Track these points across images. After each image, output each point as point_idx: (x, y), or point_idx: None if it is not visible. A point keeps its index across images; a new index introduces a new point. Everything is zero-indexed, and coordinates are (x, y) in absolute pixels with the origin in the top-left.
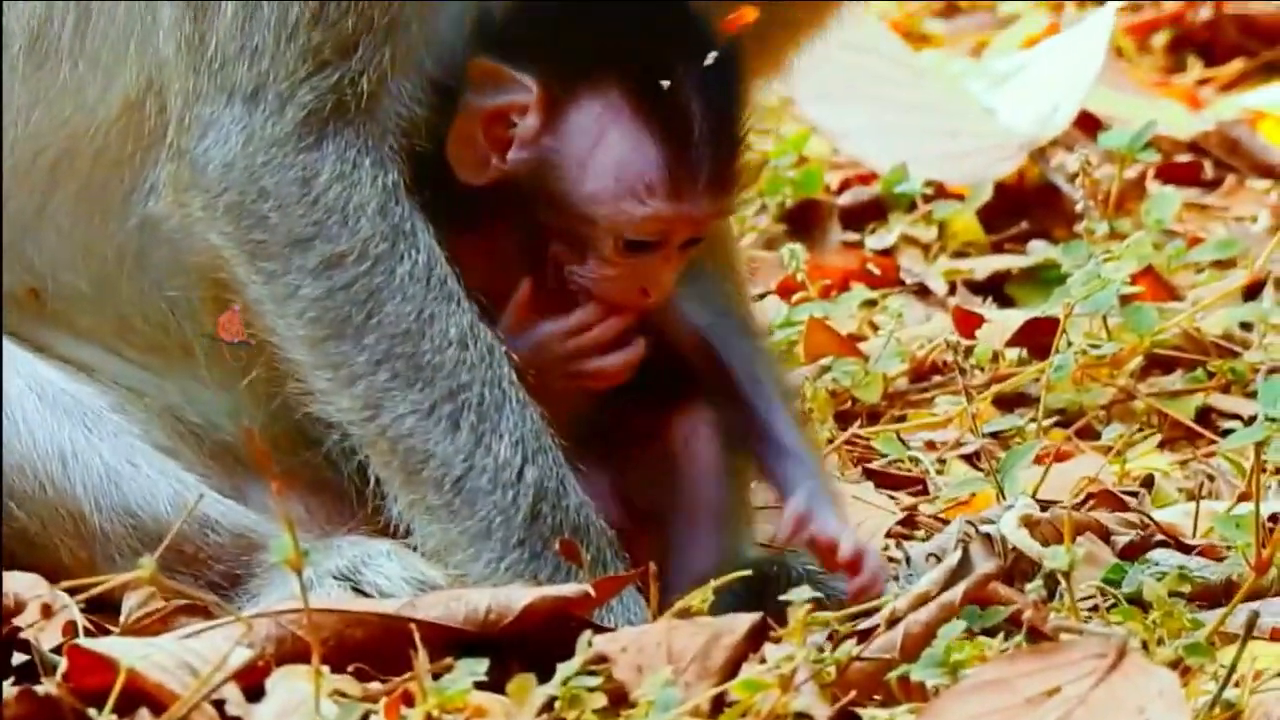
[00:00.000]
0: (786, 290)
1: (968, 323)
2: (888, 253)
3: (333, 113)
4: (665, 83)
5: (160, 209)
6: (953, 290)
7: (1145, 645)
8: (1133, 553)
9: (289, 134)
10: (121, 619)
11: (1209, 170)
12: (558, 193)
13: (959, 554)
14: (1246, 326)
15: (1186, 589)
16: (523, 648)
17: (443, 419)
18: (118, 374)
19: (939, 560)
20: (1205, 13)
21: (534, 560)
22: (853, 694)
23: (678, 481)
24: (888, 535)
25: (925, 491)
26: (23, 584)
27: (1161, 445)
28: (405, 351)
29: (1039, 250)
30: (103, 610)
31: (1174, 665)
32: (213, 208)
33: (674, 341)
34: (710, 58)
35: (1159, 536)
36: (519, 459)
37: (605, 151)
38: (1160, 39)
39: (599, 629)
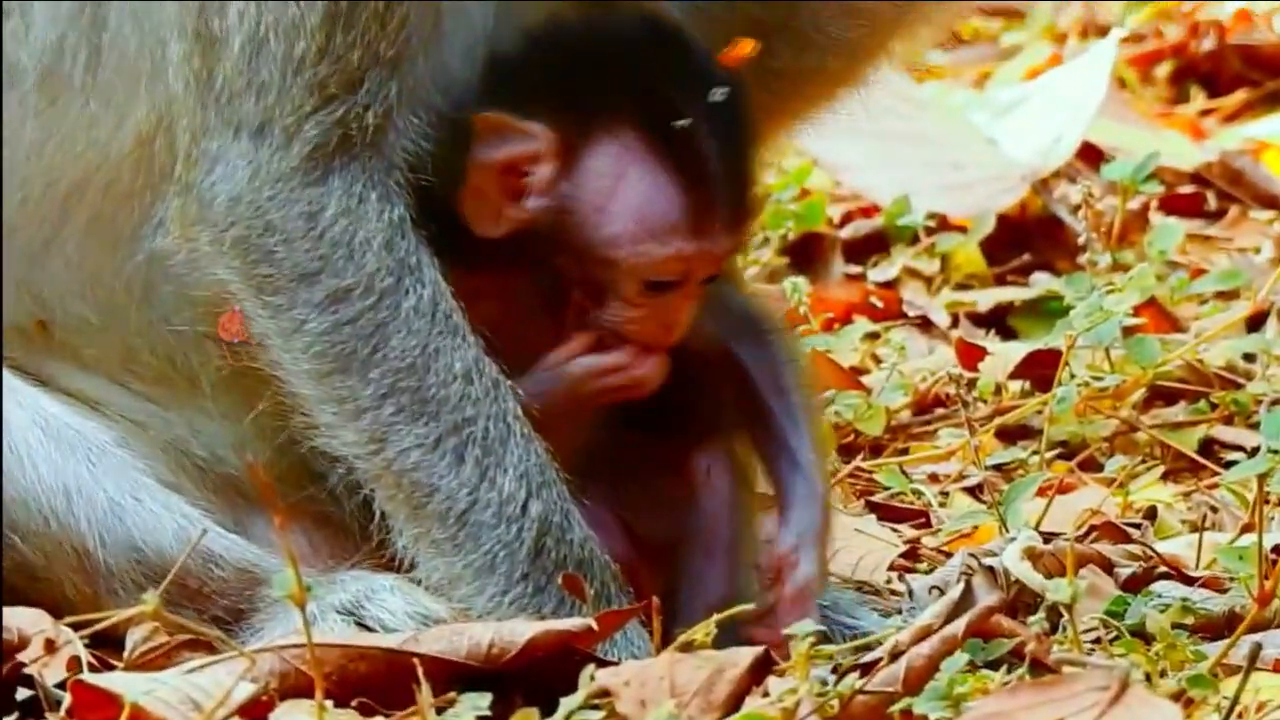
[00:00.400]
0: (789, 323)
1: (970, 355)
2: (890, 285)
3: (338, 147)
4: (681, 122)
5: (168, 244)
6: (955, 322)
7: (1148, 677)
8: (1136, 585)
9: (295, 169)
10: (125, 654)
11: (1212, 201)
12: (577, 238)
13: (962, 587)
14: (1250, 358)
15: (1189, 621)
16: (526, 682)
17: (447, 453)
18: (123, 407)
19: (942, 593)
20: (1208, 44)
21: (538, 594)
22: None
23: (695, 513)
24: (890, 568)
25: (928, 524)
26: (26, 619)
27: (1164, 477)
28: (410, 386)
29: (1042, 282)
30: (106, 645)
31: (1177, 697)
32: (219, 242)
33: (698, 351)
34: (717, 93)
35: (1162, 568)
36: (523, 493)
37: (624, 194)
38: (1163, 70)
39: (602, 663)
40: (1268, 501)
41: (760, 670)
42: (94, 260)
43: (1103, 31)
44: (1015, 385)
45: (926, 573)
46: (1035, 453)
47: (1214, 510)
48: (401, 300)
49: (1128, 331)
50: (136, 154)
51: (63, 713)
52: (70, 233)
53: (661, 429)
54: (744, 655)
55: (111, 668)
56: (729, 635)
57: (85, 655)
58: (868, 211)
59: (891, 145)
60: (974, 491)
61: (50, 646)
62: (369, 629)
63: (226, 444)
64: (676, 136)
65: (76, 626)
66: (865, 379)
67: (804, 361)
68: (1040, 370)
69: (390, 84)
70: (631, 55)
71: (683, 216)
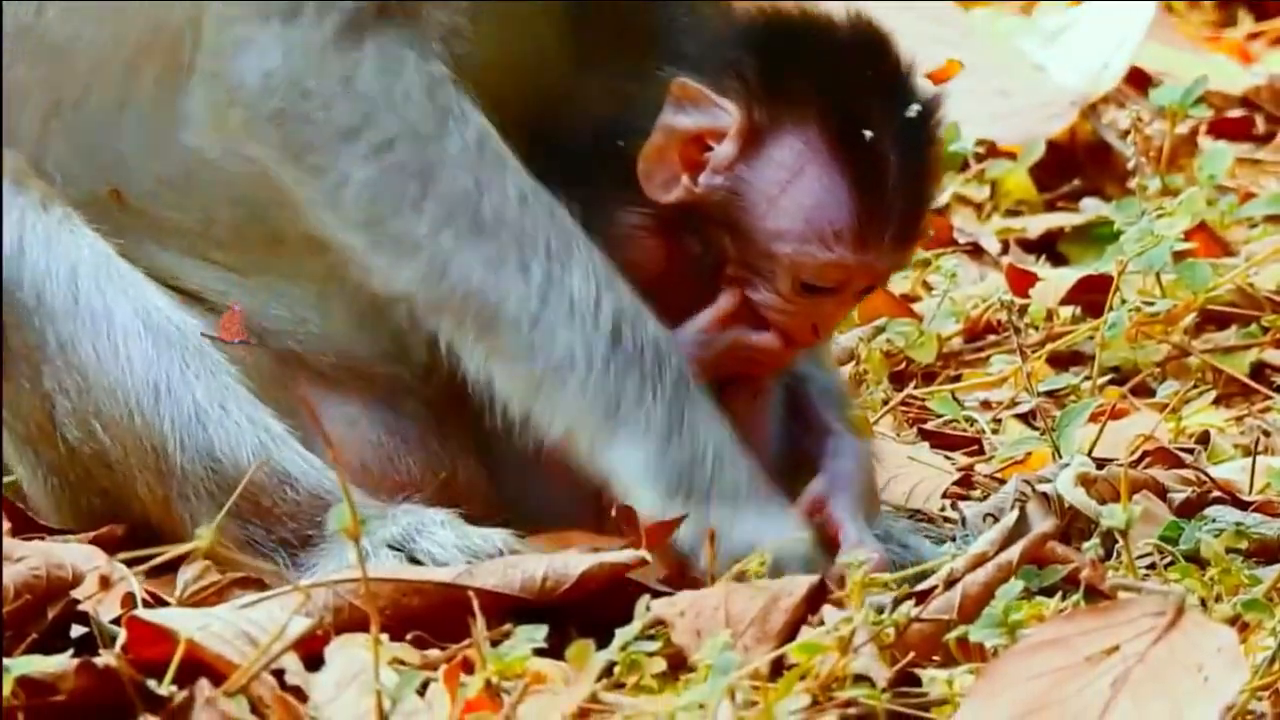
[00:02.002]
0: None
1: (1021, 281)
2: (940, 212)
3: (371, 17)
4: (868, 132)
5: (198, 137)
6: (1006, 249)
7: (1203, 602)
8: (1189, 510)
9: (329, 40)
10: (177, 591)
11: (1261, 125)
12: (744, 223)
13: (1015, 514)
14: None
15: (1244, 545)
16: (581, 614)
17: (512, 265)
18: (204, 280)
19: (996, 520)
20: None
21: (621, 379)
22: (911, 655)
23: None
24: (944, 495)
25: (981, 451)
26: (79, 555)
27: (1217, 401)
28: (466, 211)
29: (1091, 208)
30: (164, 573)
31: (1232, 622)
32: (254, 119)
33: None
34: (913, 110)
35: (1215, 493)
36: (594, 289)
37: (798, 191)
38: None
39: (657, 593)
40: None
41: (815, 599)
42: (167, 117)
43: None
44: (1066, 311)
45: (980, 500)
46: (1087, 378)
47: (1266, 434)
48: (446, 141)
49: (1178, 256)
50: (187, 28)
51: (118, 649)
52: (141, 92)
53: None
54: (799, 584)
55: (166, 603)
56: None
57: (139, 591)
58: None
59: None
60: (1026, 418)
61: (104, 583)
62: (419, 563)
63: (310, 305)
64: (861, 144)
65: (131, 563)
66: (916, 306)
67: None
68: (1091, 296)
69: None
70: (836, 56)
71: (852, 226)
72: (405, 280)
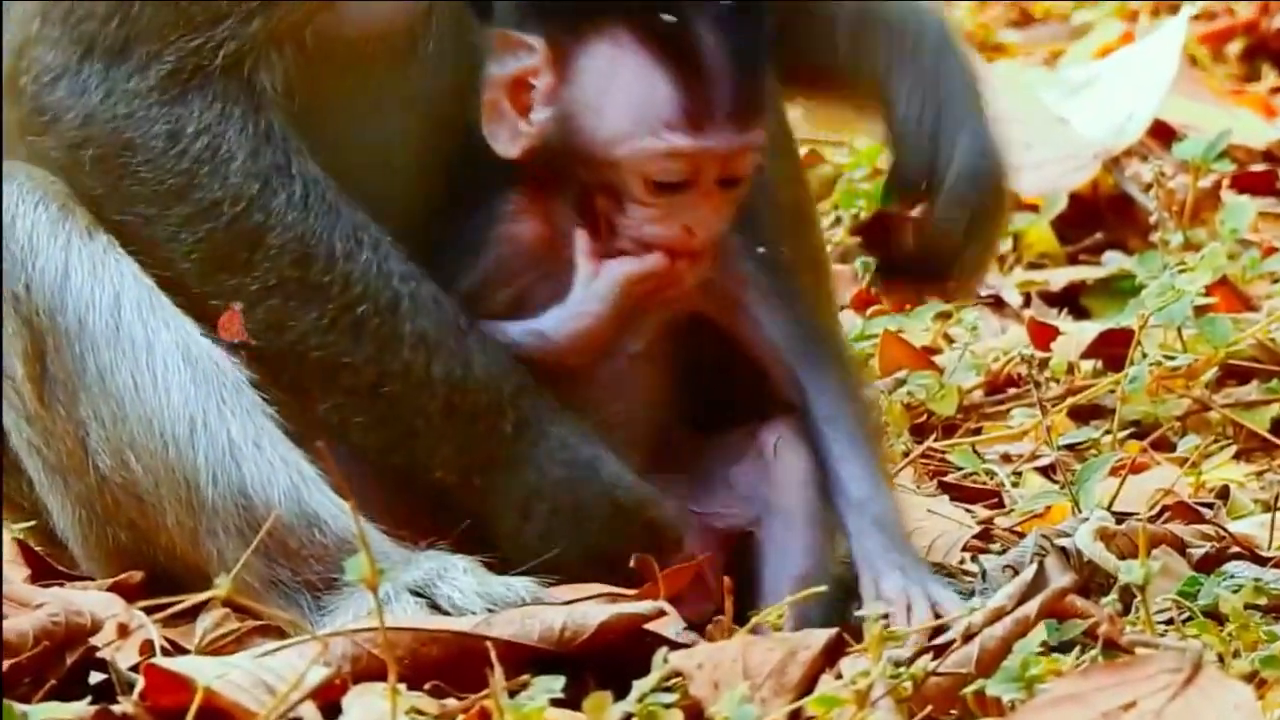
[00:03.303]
0: (861, 303)
1: (1043, 335)
2: None
3: (196, 71)
4: (668, 16)
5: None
6: (1027, 302)
7: (1221, 658)
8: (1208, 565)
9: (152, 88)
10: (196, 639)
11: None
12: (583, 145)
13: (1034, 568)
14: None
15: (1263, 601)
16: (599, 665)
17: (345, 331)
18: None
19: (1015, 573)
20: (1279, 21)
21: (463, 453)
22: (929, 709)
23: (770, 490)
24: (964, 549)
25: (1001, 504)
26: (98, 602)
27: (1237, 456)
28: (293, 276)
29: (1114, 261)
30: (182, 618)
31: (1250, 678)
32: (78, 161)
33: (757, 361)
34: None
35: (1235, 548)
36: (422, 358)
37: (617, 92)
38: (1234, 47)
39: (675, 645)
40: None
41: (833, 652)
42: None
43: (1174, 9)
44: (1087, 364)
45: (999, 553)
46: (1108, 432)
47: None
48: (271, 202)
49: (1199, 311)
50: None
51: (135, 696)
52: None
53: (726, 417)
54: (817, 637)
55: (184, 651)
56: (813, 612)
57: (158, 639)
58: None
59: None
60: (1047, 471)
61: (123, 631)
62: (440, 609)
63: None
64: (668, 31)
65: (150, 610)
66: (938, 359)
67: (869, 397)
68: (1113, 349)
69: (255, 20)
70: None
71: (676, 111)
72: (249, 329)
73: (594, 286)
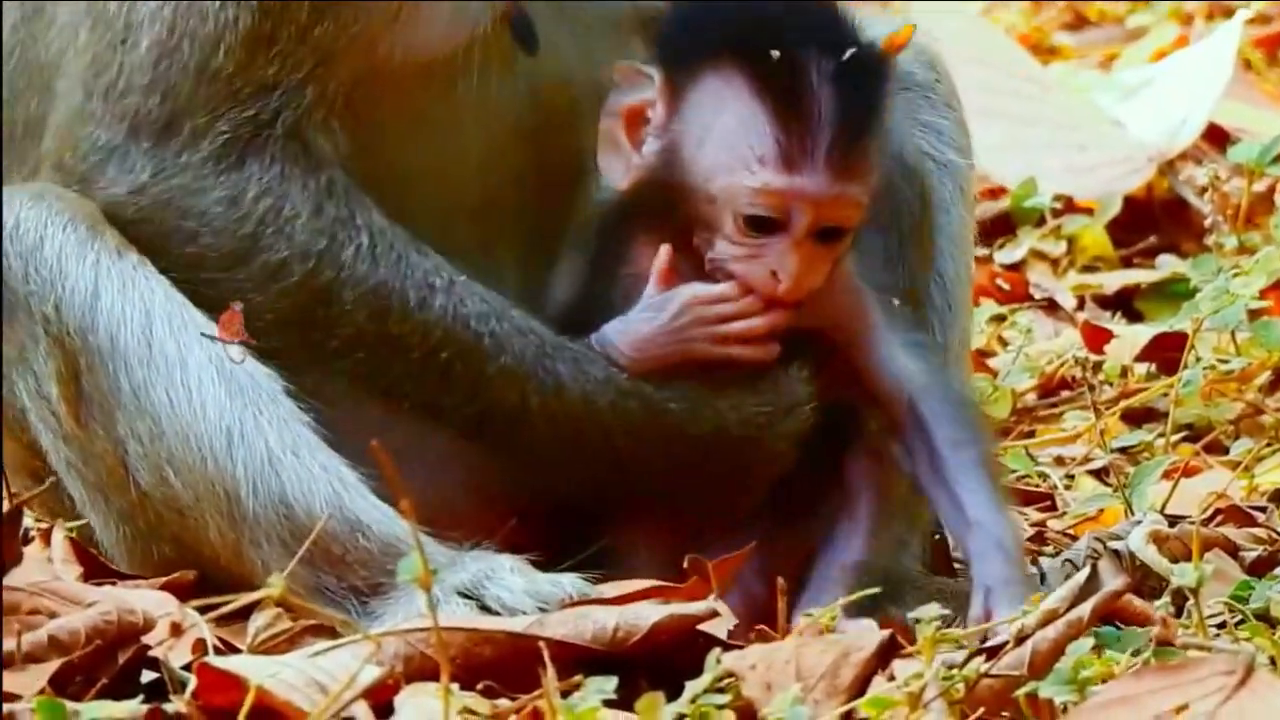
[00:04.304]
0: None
1: (1096, 338)
2: (1017, 267)
3: (252, 138)
4: (775, 53)
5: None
6: (1081, 305)
7: (1273, 661)
8: (1261, 568)
9: (205, 159)
10: (248, 639)
11: None
12: (684, 177)
13: (1088, 570)
14: None
15: None
16: (651, 665)
17: (435, 375)
18: None
19: (1075, 568)
20: None
21: (578, 469)
22: (981, 711)
23: (841, 493)
24: None
25: (1054, 507)
26: (151, 601)
27: None
28: (372, 329)
29: (1168, 264)
30: (234, 619)
31: None
32: (137, 232)
33: (876, 395)
34: (850, 51)
35: None
36: (515, 395)
37: (721, 124)
38: None
39: (728, 646)
40: None
41: (886, 654)
42: None
43: (1229, 13)
44: (1141, 368)
45: (1053, 556)
46: (1161, 435)
47: None
48: (340, 255)
49: (1253, 314)
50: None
51: (188, 695)
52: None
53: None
54: (870, 639)
55: (236, 650)
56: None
57: (210, 638)
58: (994, 193)
59: (1018, 127)
60: (1100, 474)
61: (176, 630)
62: (489, 609)
63: None
64: (778, 68)
65: (203, 610)
66: (992, 361)
67: (990, 435)
68: (1166, 353)
69: (307, 90)
70: (754, 3)
71: (773, 148)
72: (336, 376)
73: (659, 298)
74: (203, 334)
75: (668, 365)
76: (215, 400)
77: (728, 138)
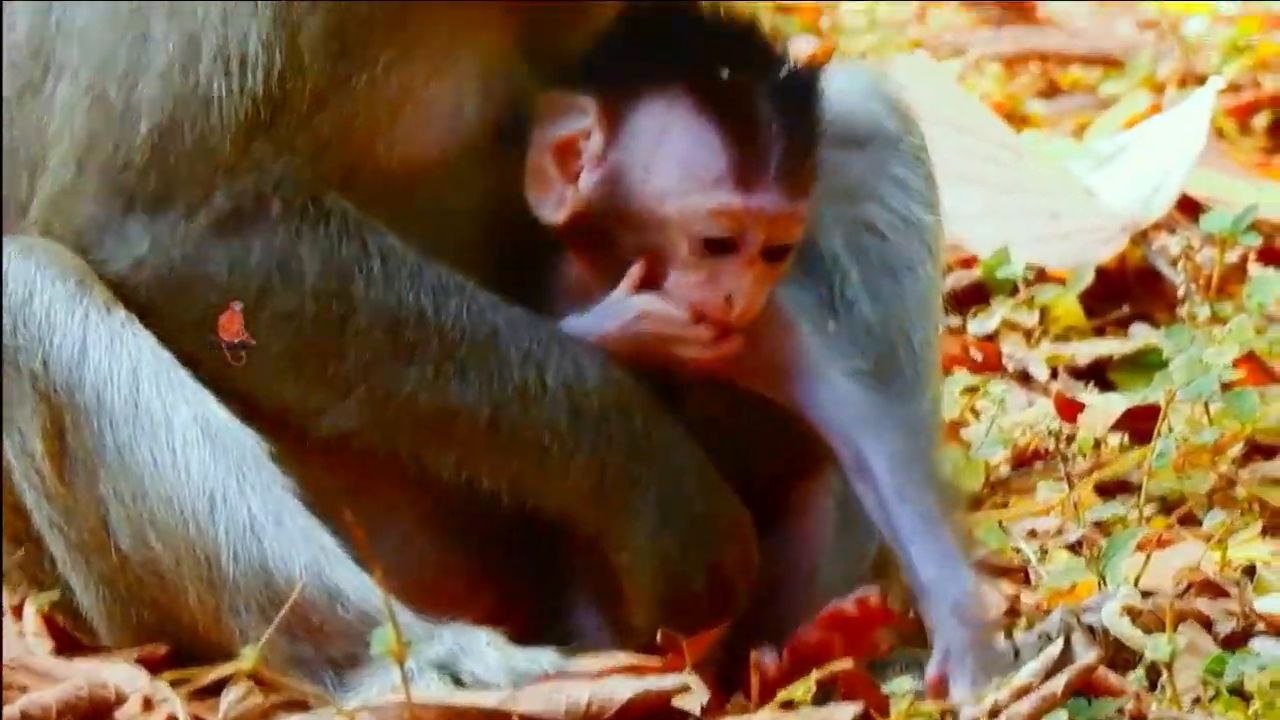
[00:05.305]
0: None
1: (1070, 409)
2: (989, 338)
3: (254, 205)
4: (724, 71)
5: None
6: (1054, 376)
7: None
8: (1235, 642)
9: (204, 230)
10: (220, 713)
11: None
12: (629, 204)
13: (1061, 644)
14: None
15: None
16: None
17: (450, 377)
18: None
19: (1049, 641)
20: None
21: (596, 452)
22: None
23: (787, 551)
24: None
25: (1027, 580)
26: (123, 675)
27: (1263, 533)
28: (388, 344)
29: (1141, 335)
30: (205, 694)
31: None
32: (133, 295)
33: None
34: (789, 69)
35: (1261, 626)
36: (534, 372)
37: (669, 147)
38: (1261, 120)
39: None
40: None
41: None
42: None
43: (1201, 81)
44: (1114, 439)
45: (1026, 629)
46: (1134, 507)
47: None
48: (351, 290)
49: (1226, 385)
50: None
51: None
52: None
53: (757, 469)
54: (843, 712)
55: None
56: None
57: (182, 713)
58: (967, 262)
59: (990, 195)
60: (1073, 547)
61: (148, 704)
62: (464, 684)
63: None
64: (725, 89)
65: (175, 683)
66: (964, 432)
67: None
68: (1139, 424)
69: (308, 167)
70: (684, 24)
71: (728, 167)
72: (349, 415)
73: (614, 306)
74: (223, 408)
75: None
76: (199, 462)
77: (679, 161)
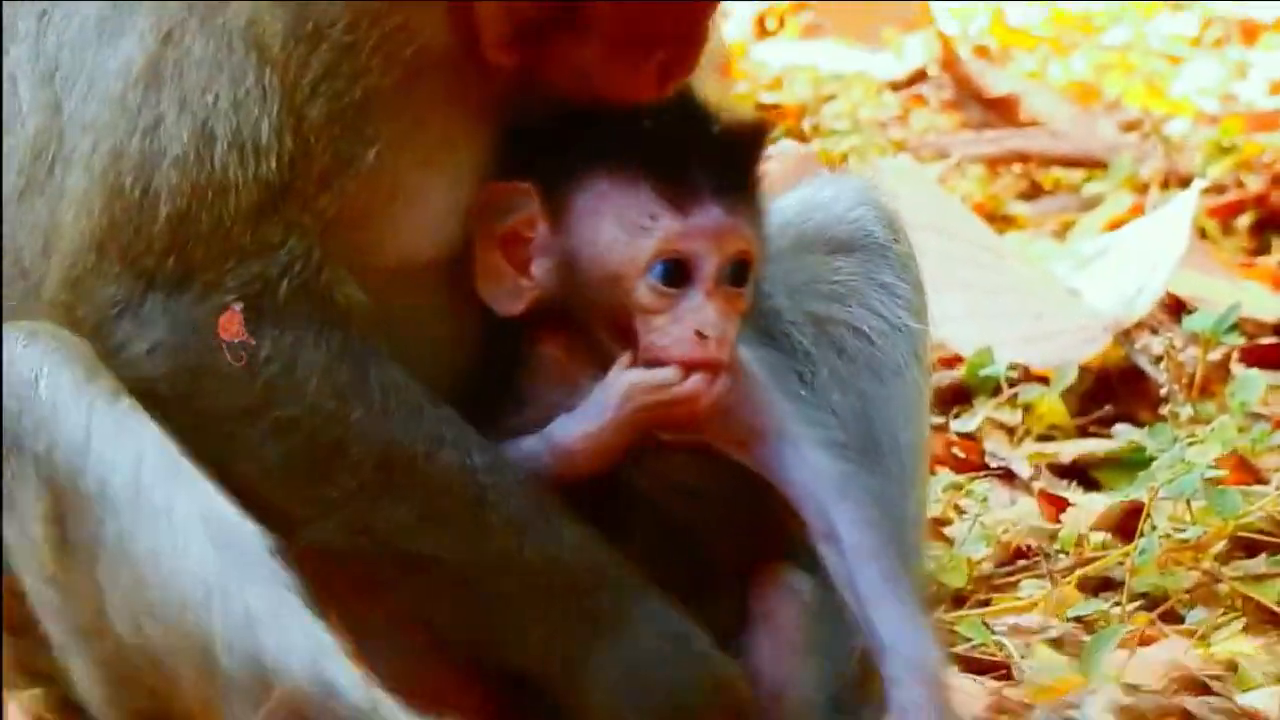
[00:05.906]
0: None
1: (1053, 506)
2: (972, 436)
3: (261, 295)
4: (647, 123)
5: None
6: (1038, 474)
7: None
8: None
9: (218, 315)
10: None
11: None
12: (582, 277)
13: None
14: None
15: None
16: None
17: (430, 526)
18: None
19: None
20: None
21: (567, 607)
22: None
23: (755, 647)
24: None
25: (1010, 676)
26: None
27: (1246, 629)
28: (376, 480)
29: (1124, 434)
30: None
31: None
32: (143, 382)
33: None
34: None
35: None
36: (514, 543)
37: (604, 207)
38: (1244, 221)
39: None
40: None
41: None
42: None
43: (1184, 182)
44: (1097, 536)
45: None
46: (1117, 604)
47: None
48: (349, 415)
49: (1209, 483)
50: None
51: None
52: None
53: (725, 548)
54: None
55: None
56: None
57: None
58: (950, 362)
59: (974, 297)
60: (1056, 644)
61: None
62: None
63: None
64: (649, 135)
65: None
66: (948, 530)
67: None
68: (1123, 521)
69: (314, 251)
70: (624, 113)
71: (659, 199)
72: (326, 534)
73: (604, 394)
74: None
75: (616, 452)
76: (200, 553)
77: (615, 215)
